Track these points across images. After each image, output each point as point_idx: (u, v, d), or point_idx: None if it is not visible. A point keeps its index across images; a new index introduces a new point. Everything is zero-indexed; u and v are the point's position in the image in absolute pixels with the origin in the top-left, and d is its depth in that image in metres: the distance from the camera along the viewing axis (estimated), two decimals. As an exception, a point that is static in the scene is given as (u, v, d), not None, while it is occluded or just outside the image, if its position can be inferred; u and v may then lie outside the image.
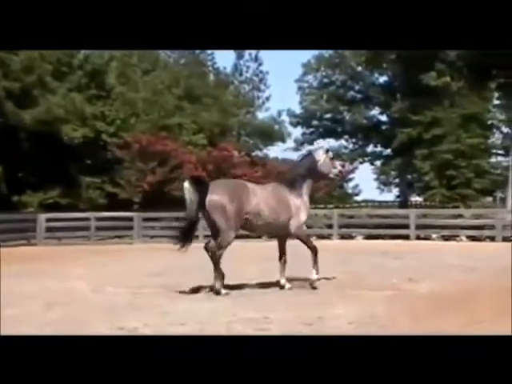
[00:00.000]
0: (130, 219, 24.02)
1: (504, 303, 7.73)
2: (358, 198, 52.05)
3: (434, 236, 22.26)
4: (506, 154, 41.45)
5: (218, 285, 9.27)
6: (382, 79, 49.59)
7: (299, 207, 9.74)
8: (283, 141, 55.08)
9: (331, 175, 10.26)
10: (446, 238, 21.83)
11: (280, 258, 9.93)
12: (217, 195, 9.26)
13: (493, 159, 44.71)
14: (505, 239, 20.47)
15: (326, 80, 50.94)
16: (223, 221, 9.24)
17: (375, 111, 50.35)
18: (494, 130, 45.41)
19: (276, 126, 53.82)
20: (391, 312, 7.55)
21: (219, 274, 9.35)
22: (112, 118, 31.94)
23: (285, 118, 52.66)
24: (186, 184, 9.39)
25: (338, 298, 8.68)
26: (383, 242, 20.70)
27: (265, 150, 55.10)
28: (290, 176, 10.16)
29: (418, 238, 21.80)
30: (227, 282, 9.44)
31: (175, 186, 28.64)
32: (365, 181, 75.94)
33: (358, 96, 50.16)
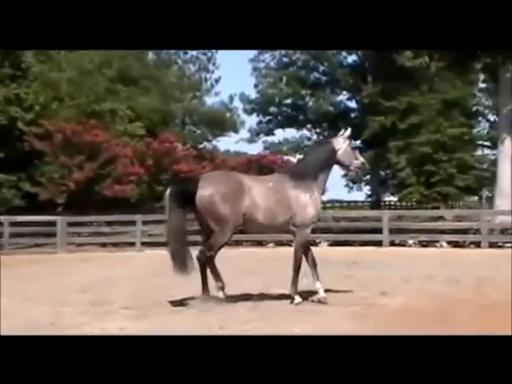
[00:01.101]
0: (53, 224, 23.66)
1: (486, 320, 7.89)
2: (322, 198, 52.57)
3: (410, 242, 22.50)
4: (492, 146, 42.38)
5: (221, 294, 9.54)
6: (351, 59, 50.28)
7: (305, 204, 9.75)
8: (236, 131, 55.23)
9: (352, 167, 10.31)
10: (425, 244, 22.08)
11: (306, 260, 10.03)
12: (207, 191, 9.39)
13: (478, 152, 45.71)
14: (491, 245, 20.88)
15: (285, 60, 51.27)
16: (216, 220, 9.38)
17: (343, 96, 51.07)
18: (480, 119, 46.47)
19: (227, 114, 53.88)
20: (360, 331, 7.54)
21: (218, 279, 9.63)
22: (30, 103, 31.30)
23: (237, 103, 52.87)
24: (168, 192, 9.70)
25: (296, 316, 8.72)
26: (352, 248, 20.89)
27: (214, 142, 55.20)
28: (299, 167, 10.25)
29: (393, 244, 22.02)
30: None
31: (107, 185, 28.41)
32: (330, 178, 76.10)
33: (323, 78, 50.72)
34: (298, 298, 9.69)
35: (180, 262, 9.63)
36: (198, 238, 10.21)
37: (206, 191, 9.40)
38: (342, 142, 10.11)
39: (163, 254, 20.12)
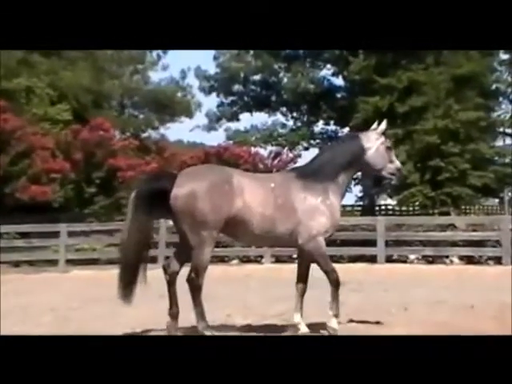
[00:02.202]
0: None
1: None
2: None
3: (412, 257, 22.59)
4: (516, 135, 42.77)
5: (200, 325, 9.32)
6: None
7: (314, 210, 9.57)
8: (190, 115, 55.07)
9: (385, 172, 10.13)
10: (431, 260, 22.18)
11: (297, 282, 9.93)
12: (185, 189, 9.22)
13: (498, 142, 46.02)
14: (515, 261, 20.98)
15: (253, 24, 51.31)
16: (189, 229, 9.23)
17: (326, 71, 51.09)
18: (501, 99, 46.72)
19: (178, 94, 53.70)
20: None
21: (200, 308, 9.40)
22: None
23: (192, 80, 52.79)
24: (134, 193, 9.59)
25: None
26: (338, 266, 20.69)
27: (162, 130, 55.01)
28: (313, 165, 10.00)
29: (390, 259, 22.08)
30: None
31: (20, 185, 28.09)
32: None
33: (302, 48, 50.81)
34: (334, 323, 9.68)
35: (129, 286, 9.46)
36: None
37: (182, 190, 9.21)
38: (374, 139, 9.94)
39: (96, 274, 20.17)
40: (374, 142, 9.92)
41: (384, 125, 10.03)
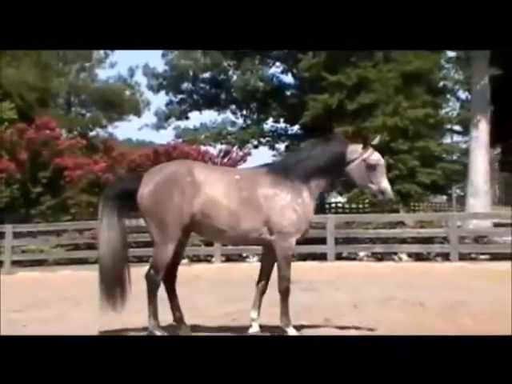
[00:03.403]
0: None
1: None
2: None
3: (361, 254, 22.71)
4: (464, 132, 43.23)
5: (150, 324, 9.39)
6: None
7: (284, 206, 9.33)
8: (138, 114, 54.87)
9: (370, 189, 9.65)
10: (380, 257, 22.33)
11: (258, 281, 9.80)
12: (148, 187, 9.24)
13: (446, 139, 46.48)
14: (463, 257, 21.20)
15: (201, 21, 51.23)
16: (154, 227, 9.23)
17: (276, 69, 51.20)
18: (448, 96, 47.21)
19: (126, 92, 53.41)
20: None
21: (153, 307, 9.44)
22: None
23: (140, 78, 52.56)
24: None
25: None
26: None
27: (110, 128, 54.74)
28: (286, 161, 9.92)
29: (340, 257, 22.17)
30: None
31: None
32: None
33: (251, 46, 50.78)
34: (292, 330, 9.50)
35: (112, 291, 9.45)
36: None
37: (146, 188, 9.24)
38: (358, 153, 9.51)
39: (43, 276, 19.95)
40: (358, 155, 9.50)
41: (377, 140, 9.65)
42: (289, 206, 9.35)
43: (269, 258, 9.74)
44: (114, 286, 9.44)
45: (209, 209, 9.19)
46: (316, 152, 9.77)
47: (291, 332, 9.42)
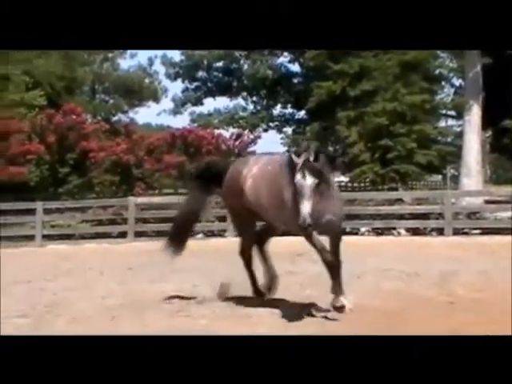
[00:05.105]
0: None
1: (451, 320, 7.96)
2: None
3: (363, 229, 22.71)
4: (458, 116, 43.08)
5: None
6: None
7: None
8: (157, 100, 54.82)
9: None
10: (380, 232, 22.32)
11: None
12: (226, 177, 9.85)
13: (441, 123, 46.34)
14: (456, 232, 21.19)
15: (215, 14, 51.04)
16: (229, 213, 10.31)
17: (283, 58, 50.99)
18: (443, 83, 47.05)
19: (146, 80, 53.40)
20: (303, 334, 7.49)
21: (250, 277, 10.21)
22: None
23: (158, 67, 52.49)
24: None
25: (223, 322, 8.77)
26: (295, 239, 20.77)
27: (131, 114, 54.73)
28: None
29: (343, 232, 22.16)
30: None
31: (-1, 166, 27.78)
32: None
33: (261, 37, 50.58)
34: (343, 300, 9.05)
35: (178, 242, 10.17)
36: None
37: (225, 177, 9.86)
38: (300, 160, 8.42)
39: (69, 249, 20.07)
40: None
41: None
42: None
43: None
44: (179, 240, 10.13)
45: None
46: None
47: (343, 303, 9.00)
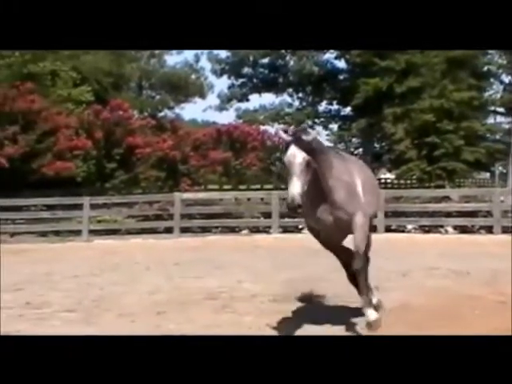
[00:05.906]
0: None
1: (500, 320, 7.82)
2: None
3: (409, 227, 22.55)
4: (507, 113, 42.60)
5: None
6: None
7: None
8: (203, 96, 54.99)
9: None
10: (427, 230, 22.13)
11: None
12: None
13: (490, 120, 45.83)
14: (505, 230, 20.90)
15: (261, 10, 51.06)
16: None
17: (330, 54, 50.79)
18: (492, 80, 46.50)
19: (192, 76, 53.58)
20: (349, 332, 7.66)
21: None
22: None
23: (205, 63, 52.68)
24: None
25: (265, 311, 8.73)
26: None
27: (177, 110, 54.97)
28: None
29: (389, 229, 22.03)
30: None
31: (46, 161, 28.06)
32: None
33: (307, 33, 50.46)
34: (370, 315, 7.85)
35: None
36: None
37: None
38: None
39: (116, 244, 20.20)
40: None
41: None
42: None
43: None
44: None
45: None
46: None
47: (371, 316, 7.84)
